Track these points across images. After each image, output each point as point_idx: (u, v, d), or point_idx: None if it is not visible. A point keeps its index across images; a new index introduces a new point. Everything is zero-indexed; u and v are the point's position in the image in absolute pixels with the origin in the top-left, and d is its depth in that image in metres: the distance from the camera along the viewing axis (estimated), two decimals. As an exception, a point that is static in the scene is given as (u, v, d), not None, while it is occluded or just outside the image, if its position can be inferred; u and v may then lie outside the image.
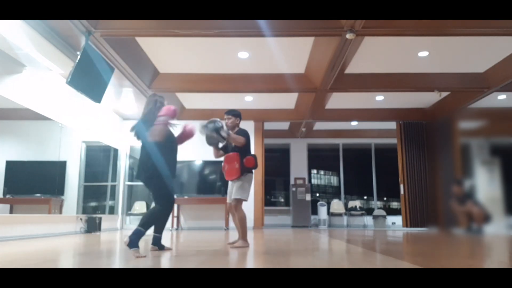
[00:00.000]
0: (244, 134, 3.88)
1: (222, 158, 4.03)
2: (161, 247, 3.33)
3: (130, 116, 8.58)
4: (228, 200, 4.00)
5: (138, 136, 3.15)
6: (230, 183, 4.00)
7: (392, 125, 9.28)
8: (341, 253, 3.25)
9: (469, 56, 6.04)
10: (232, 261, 2.64)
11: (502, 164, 5.64)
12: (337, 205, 10.77)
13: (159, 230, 3.34)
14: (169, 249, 3.41)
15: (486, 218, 5.37)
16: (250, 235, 5.94)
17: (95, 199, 7.79)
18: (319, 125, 10.22)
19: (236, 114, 4.00)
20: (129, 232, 2.93)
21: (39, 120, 5.52)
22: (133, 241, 2.82)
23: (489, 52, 5.88)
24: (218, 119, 3.69)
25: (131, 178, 8.84)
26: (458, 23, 4.72)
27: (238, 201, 3.84)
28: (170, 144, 3.18)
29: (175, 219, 8.25)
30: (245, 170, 3.81)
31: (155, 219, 3.05)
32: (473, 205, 5.50)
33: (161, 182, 3.04)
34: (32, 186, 5.55)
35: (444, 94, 7.35)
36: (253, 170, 3.95)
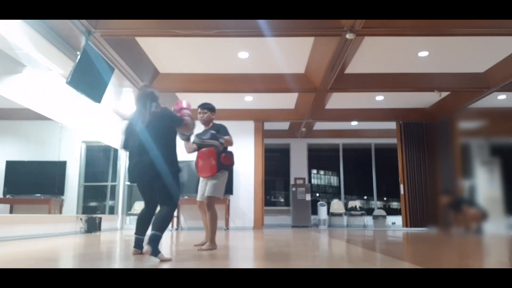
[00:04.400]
0: (227, 131, 3.73)
1: (194, 154, 3.86)
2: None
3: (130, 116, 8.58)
4: (199, 199, 3.78)
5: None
6: (202, 180, 3.79)
7: (392, 125, 9.28)
8: (341, 253, 3.25)
9: (469, 56, 6.03)
10: (232, 261, 2.64)
11: (502, 164, 5.64)
12: (337, 205, 10.76)
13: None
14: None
15: (483, 216, 5.38)
16: (251, 235, 5.94)
17: (95, 199, 7.79)
18: (319, 125, 10.22)
19: (211, 108, 3.84)
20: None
21: (39, 120, 5.52)
22: (156, 248, 2.64)
23: (489, 52, 5.88)
24: (208, 129, 3.63)
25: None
26: (458, 23, 4.72)
27: (212, 199, 3.62)
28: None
29: (175, 219, 8.25)
30: (221, 167, 3.63)
31: (168, 221, 2.85)
32: (468, 208, 5.50)
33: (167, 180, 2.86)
34: (32, 186, 5.55)
35: (444, 94, 7.35)
36: (230, 168, 3.76)
